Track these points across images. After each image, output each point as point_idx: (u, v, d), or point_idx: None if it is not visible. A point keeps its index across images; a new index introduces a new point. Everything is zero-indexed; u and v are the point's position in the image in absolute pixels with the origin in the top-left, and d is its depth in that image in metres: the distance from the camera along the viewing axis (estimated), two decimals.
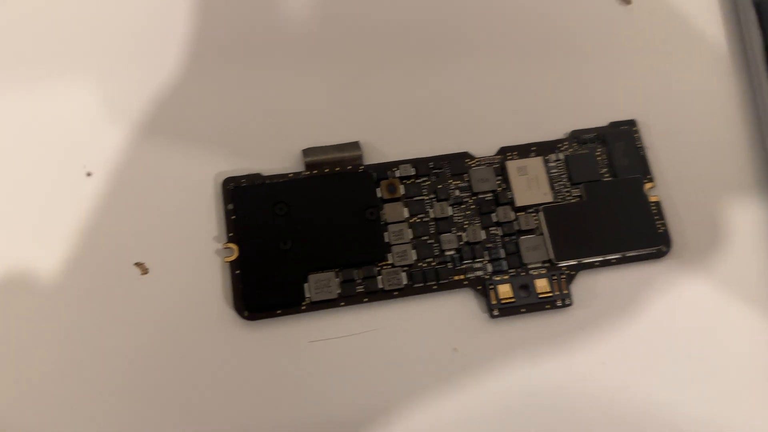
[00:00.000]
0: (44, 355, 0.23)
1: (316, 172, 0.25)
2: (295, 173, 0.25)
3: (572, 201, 0.25)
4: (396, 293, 0.24)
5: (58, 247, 0.24)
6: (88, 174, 0.25)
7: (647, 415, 0.23)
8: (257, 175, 0.25)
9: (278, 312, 0.24)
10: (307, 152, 0.26)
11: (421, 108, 0.27)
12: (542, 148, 0.26)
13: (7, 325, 0.24)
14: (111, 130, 0.26)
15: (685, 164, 0.26)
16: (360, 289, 0.24)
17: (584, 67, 0.27)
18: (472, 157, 0.26)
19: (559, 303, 0.24)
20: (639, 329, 0.24)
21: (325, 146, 0.26)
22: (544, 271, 0.25)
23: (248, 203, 0.25)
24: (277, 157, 0.26)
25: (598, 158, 0.26)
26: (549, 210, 0.25)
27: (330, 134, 0.26)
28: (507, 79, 0.27)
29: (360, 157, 0.26)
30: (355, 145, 0.26)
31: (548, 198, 0.25)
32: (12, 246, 0.24)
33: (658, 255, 0.25)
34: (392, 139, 0.26)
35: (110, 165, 0.25)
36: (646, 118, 0.27)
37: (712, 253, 0.25)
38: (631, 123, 0.27)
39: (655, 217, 0.25)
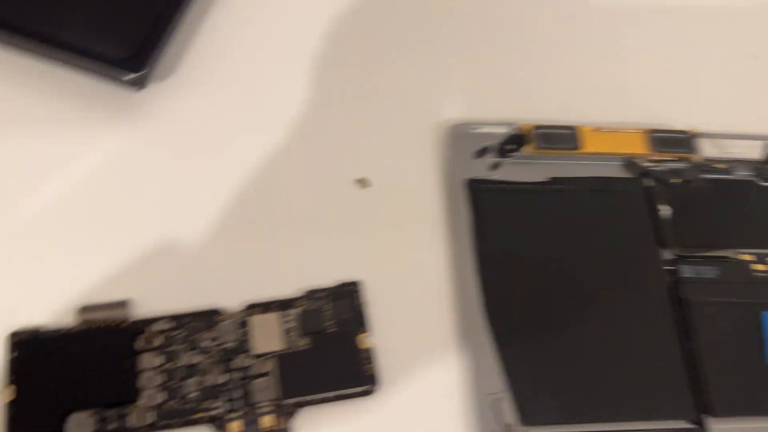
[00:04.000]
0: None
1: (87, 327, 0.30)
2: (69, 328, 0.30)
3: (302, 348, 0.30)
4: (144, 429, 0.28)
5: None
6: None
7: None
8: (37, 329, 0.29)
9: None
10: (83, 310, 0.30)
11: (183, 268, 0.31)
12: (282, 304, 0.31)
13: None
14: None
15: (400, 320, 0.32)
16: (113, 425, 0.28)
17: (324, 232, 0.33)
18: (221, 313, 0.31)
19: None
20: None
21: (99, 304, 0.30)
22: (271, 408, 0.29)
23: (29, 353, 0.29)
24: (56, 311, 0.30)
25: (327, 312, 0.31)
26: (282, 356, 0.30)
27: (103, 288, 0.30)
28: (258, 243, 0.32)
29: (127, 314, 0.30)
30: (124, 303, 0.30)
31: (282, 346, 0.30)
32: None
33: (366, 393, 0.30)
34: (157, 293, 0.31)
35: None
36: (370, 280, 0.32)
37: (416, 396, 0.30)
38: (355, 284, 0.32)
39: (365, 362, 0.30)
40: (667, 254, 0.34)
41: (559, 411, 0.30)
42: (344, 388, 0.29)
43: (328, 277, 0.32)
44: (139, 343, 0.29)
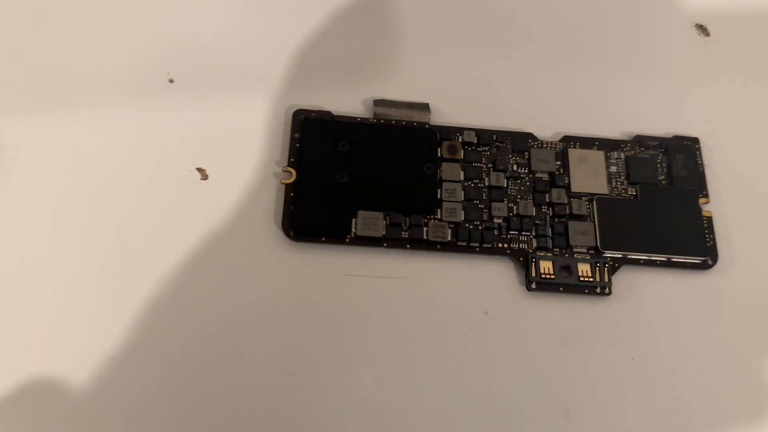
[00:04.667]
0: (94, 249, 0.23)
1: (383, 122, 0.25)
2: (363, 118, 0.25)
3: (627, 197, 0.24)
4: (439, 246, 0.23)
5: (128, 143, 0.24)
6: (171, 80, 0.25)
7: (667, 415, 0.22)
8: (327, 113, 0.25)
9: (323, 239, 0.23)
10: (378, 103, 0.25)
11: (492, 85, 0.26)
12: (605, 144, 0.25)
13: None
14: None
15: (741, 189, 0.25)
16: (405, 235, 0.23)
17: (658, 79, 0.27)
18: (535, 139, 0.25)
19: (598, 290, 0.23)
20: (673, 334, 0.23)
21: (397, 101, 0.25)
22: (588, 257, 0.23)
23: (314, 135, 0.24)
24: (349, 101, 0.25)
25: (658, 165, 0.25)
26: (602, 200, 0.24)
27: (402, 91, 0.26)
28: (582, 74, 0.27)
29: (428, 120, 0.25)
30: (425, 106, 0.25)
31: (603, 190, 0.24)
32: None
33: (704, 266, 0.24)
34: (460, 107, 0.26)
35: (194, 73, 0.25)
36: (708, 139, 0.26)
37: (756, 275, 0.24)
38: (695, 140, 0.26)
39: (705, 231, 0.24)
40: None
41: None
42: (679, 255, 0.23)
43: (656, 128, 0.26)
44: (443, 151, 0.24)
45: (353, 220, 0.23)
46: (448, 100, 0.26)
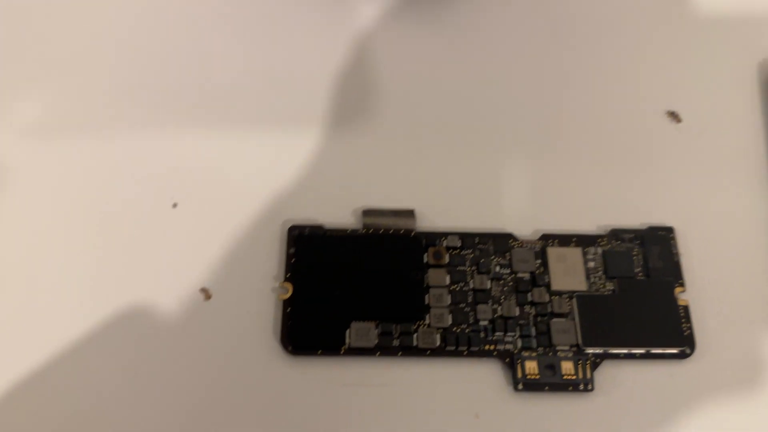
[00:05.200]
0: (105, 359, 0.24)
1: (372, 231, 0.26)
2: (353, 230, 0.26)
3: (605, 293, 0.26)
4: (428, 352, 0.25)
5: (132, 260, 0.26)
6: (174, 205, 0.27)
7: None
8: (320, 227, 0.26)
9: (319, 352, 0.24)
10: (366, 213, 0.27)
11: (472, 187, 0.28)
12: (582, 240, 0.27)
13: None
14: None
15: (717, 275, 0.26)
16: (396, 342, 0.25)
17: (630, 171, 0.28)
18: (515, 239, 0.27)
19: (581, 387, 0.24)
20: (655, 424, 0.24)
21: (384, 210, 0.27)
22: (570, 354, 0.25)
23: (308, 250, 0.26)
24: (339, 213, 0.27)
25: (634, 257, 0.26)
26: (582, 298, 0.25)
27: (387, 198, 0.27)
28: (557, 170, 0.28)
29: (413, 224, 0.26)
30: (410, 212, 0.27)
31: (582, 287, 0.26)
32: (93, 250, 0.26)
33: (682, 356, 0.25)
34: (443, 210, 0.27)
35: (196, 198, 0.27)
36: (683, 227, 0.27)
37: (734, 360, 0.25)
38: (669, 230, 0.27)
39: (682, 320, 0.25)
40: None
41: None
42: (657, 346, 0.25)
43: (630, 219, 0.27)
44: (428, 257, 0.26)
45: (347, 331, 0.25)
46: (433, 204, 0.27)
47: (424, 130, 0.29)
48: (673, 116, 0.29)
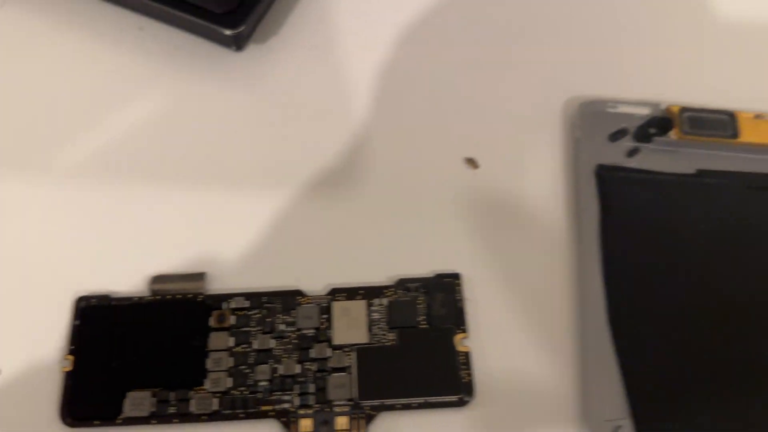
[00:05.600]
0: None
1: (159, 297, 0.27)
2: (140, 297, 0.27)
3: (386, 344, 0.26)
4: (204, 418, 0.25)
5: None
6: None
7: None
8: (106, 297, 0.27)
9: (96, 423, 0.25)
10: (155, 279, 0.27)
11: (265, 246, 0.28)
12: (370, 292, 0.27)
13: None
14: None
15: (503, 323, 0.27)
16: (172, 410, 0.25)
17: (424, 220, 0.29)
18: (303, 295, 0.27)
19: None
20: None
21: (173, 274, 0.27)
22: (347, 409, 0.25)
23: (94, 320, 0.26)
24: (130, 280, 0.27)
25: (419, 306, 0.27)
26: (362, 350, 0.26)
27: (180, 262, 0.27)
28: (350, 225, 0.28)
29: (202, 288, 0.27)
30: (200, 276, 0.27)
31: (364, 339, 0.26)
32: None
33: (460, 404, 0.25)
34: (236, 272, 0.27)
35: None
36: (472, 273, 0.27)
37: (512, 407, 0.25)
38: (455, 276, 0.27)
39: (462, 367, 0.25)
40: None
41: None
42: (434, 395, 0.25)
43: (425, 268, 0.28)
44: (212, 321, 0.26)
45: (124, 401, 0.25)
46: (225, 265, 0.28)
47: (215, 188, 0.29)
48: (471, 162, 0.30)
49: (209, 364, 0.25)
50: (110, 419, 0.25)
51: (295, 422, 0.25)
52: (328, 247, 0.28)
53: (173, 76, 0.31)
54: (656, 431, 0.24)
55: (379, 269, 0.28)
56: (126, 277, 0.27)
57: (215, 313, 0.26)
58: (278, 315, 0.26)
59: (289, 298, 0.27)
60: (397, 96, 0.31)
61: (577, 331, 0.26)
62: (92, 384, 0.25)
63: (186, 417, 0.25)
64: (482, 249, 0.28)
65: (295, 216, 0.29)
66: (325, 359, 0.26)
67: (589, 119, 0.30)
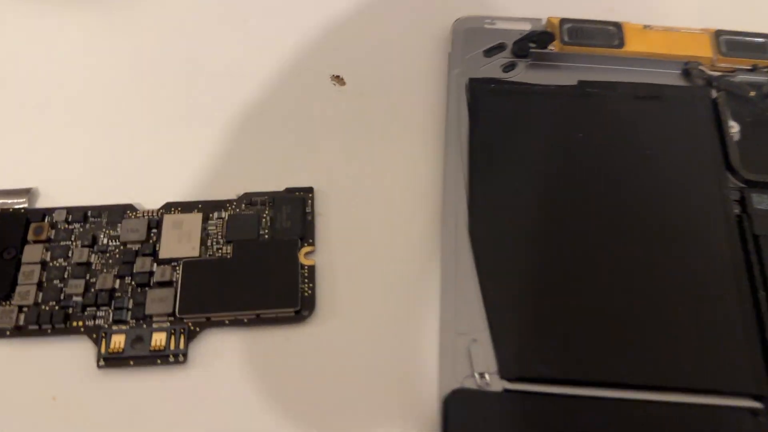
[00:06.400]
0: None
1: None
2: None
3: (219, 258, 0.23)
4: (8, 332, 0.22)
5: None
6: None
7: None
8: None
9: None
10: None
11: (100, 162, 0.25)
12: (208, 207, 0.24)
13: None
14: None
15: (358, 240, 0.24)
16: None
17: (281, 134, 0.26)
18: (134, 209, 0.24)
19: (171, 359, 0.21)
20: (261, 391, 0.21)
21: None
22: (165, 325, 0.22)
23: None
24: None
25: (263, 219, 0.24)
26: (189, 264, 0.23)
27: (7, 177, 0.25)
28: (201, 141, 0.26)
29: (26, 203, 0.24)
30: (25, 191, 0.25)
31: (195, 253, 0.23)
32: None
33: (298, 319, 0.22)
34: (69, 188, 0.25)
35: None
36: (326, 188, 0.25)
37: (355, 323, 0.22)
38: (308, 190, 0.25)
39: (306, 281, 0.23)
40: (735, 182, 0.24)
41: (558, 365, 0.21)
42: (266, 308, 0.22)
43: (282, 185, 0.25)
44: (30, 234, 0.23)
45: None
46: (56, 184, 0.25)
47: (50, 108, 0.27)
48: (338, 79, 0.28)
49: (19, 278, 0.23)
50: None
51: (106, 337, 0.22)
52: (172, 165, 0.26)
53: None
54: (513, 345, 0.21)
55: (231, 186, 0.25)
56: None
57: (33, 225, 0.24)
58: (103, 229, 0.24)
59: (117, 213, 0.24)
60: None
61: (439, 248, 0.23)
62: None
63: None
64: (344, 165, 0.25)
65: (139, 134, 0.26)
66: (148, 273, 0.23)
67: (463, 35, 0.28)
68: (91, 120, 0.26)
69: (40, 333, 0.22)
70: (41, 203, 0.25)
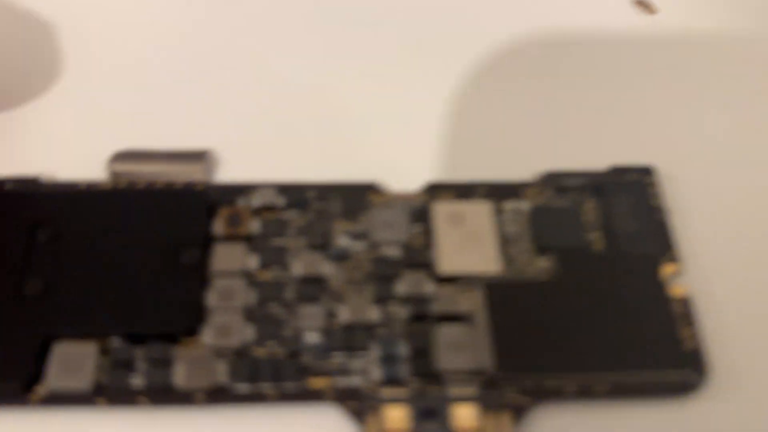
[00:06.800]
0: None
1: (122, 187, 0.15)
2: (90, 184, 0.15)
3: (536, 279, 0.14)
4: (202, 398, 0.13)
5: None
6: None
7: None
8: (33, 181, 0.15)
9: None
10: (117, 157, 0.15)
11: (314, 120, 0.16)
12: (494, 191, 0.15)
13: None
14: None
15: (739, 247, 0.15)
16: (137, 380, 0.13)
17: (583, 95, 0.17)
18: (379, 192, 0.15)
19: None
20: None
21: (152, 151, 0.15)
22: (472, 392, 0.13)
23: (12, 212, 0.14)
24: (79, 161, 0.15)
25: (585, 217, 0.15)
26: (494, 287, 0.14)
27: (172, 137, 0.16)
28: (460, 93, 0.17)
29: (202, 177, 0.15)
30: (199, 155, 0.15)
31: (494, 268, 0.14)
32: None
33: (683, 388, 0.13)
34: (262, 156, 0.16)
35: None
36: (669, 167, 0.16)
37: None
38: (645, 171, 0.16)
39: (680, 323, 0.14)
40: None
41: None
42: (631, 373, 0.13)
43: (581, 160, 0.16)
44: (218, 228, 0.14)
45: (49, 359, 0.13)
46: (244, 145, 0.16)
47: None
48: (645, 6, 0.19)
49: (211, 299, 0.13)
50: (15, 396, 0.12)
51: (375, 412, 0.12)
52: (423, 127, 0.16)
53: None
54: None
55: (513, 159, 0.16)
56: (72, 155, 0.16)
57: (224, 211, 0.14)
58: (337, 220, 0.15)
59: (356, 196, 0.15)
60: None
61: None
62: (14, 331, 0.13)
63: (167, 395, 0.13)
64: (697, 133, 0.16)
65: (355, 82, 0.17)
66: (425, 300, 0.14)
67: None
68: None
69: (255, 398, 0.13)
70: (222, 175, 0.16)
